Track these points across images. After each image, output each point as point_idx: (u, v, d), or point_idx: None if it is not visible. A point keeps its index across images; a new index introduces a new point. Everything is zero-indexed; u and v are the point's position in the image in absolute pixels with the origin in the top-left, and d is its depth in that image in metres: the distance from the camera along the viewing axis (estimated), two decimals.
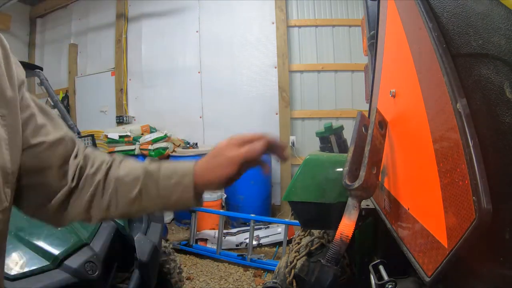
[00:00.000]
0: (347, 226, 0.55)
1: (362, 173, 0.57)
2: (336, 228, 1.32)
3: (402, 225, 0.69)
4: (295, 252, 1.41)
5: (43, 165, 0.53)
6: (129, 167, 0.58)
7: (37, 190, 0.53)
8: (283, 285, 1.36)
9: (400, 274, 0.83)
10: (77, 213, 0.56)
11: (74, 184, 0.55)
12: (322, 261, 0.55)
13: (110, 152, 3.79)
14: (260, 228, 3.23)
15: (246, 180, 3.65)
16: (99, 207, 0.56)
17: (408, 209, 0.64)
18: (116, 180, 0.56)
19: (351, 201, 0.56)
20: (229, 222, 3.63)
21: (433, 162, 0.53)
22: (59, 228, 1.20)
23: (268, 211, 3.87)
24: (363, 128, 0.61)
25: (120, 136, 3.82)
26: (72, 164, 0.56)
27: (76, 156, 0.57)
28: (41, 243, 1.12)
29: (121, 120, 4.37)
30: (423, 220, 0.57)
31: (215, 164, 0.60)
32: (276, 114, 4.09)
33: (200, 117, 4.22)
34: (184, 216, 3.60)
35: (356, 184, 0.58)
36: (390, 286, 0.78)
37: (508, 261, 0.43)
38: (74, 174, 0.55)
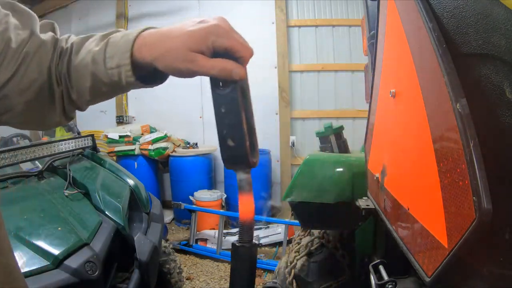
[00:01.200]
0: (246, 203, 0.54)
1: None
2: (335, 228, 1.32)
3: (402, 225, 0.69)
4: (295, 252, 1.41)
5: None
6: (81, 56, 0.51)
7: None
8: (283, 285, 1.36)
9: (400, 274, 0.83)
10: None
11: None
12: (236, 244, 0.54)
13: (110, 152, 3.79)
14: (260, 228, 3.23)
15: None
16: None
17: (408, 209, 0.64)
18: (74, 70, 0.52)
19: (240, 176, 0.53)
20: (229, 222, 3.63)
21: (433, 162, 0.53)
22: (59, 228, 1.20)
23: (268, 211, 3.87)
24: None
25: (120, 136, 3.82)
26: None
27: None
28: (41, 243, 1.12)
29: (121, 120, 4.37)
30: (423, 220, 0.57)
31: (167, 35, 0.47)
32: (276, 114, 4.09)
33: (200, 117, 4.22)
34: (184, 216, 3.60)
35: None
36: (390, 286, 0.78)
37: (508, 261, 0.43)
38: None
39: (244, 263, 0.55)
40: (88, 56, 0.50)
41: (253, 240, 0.55)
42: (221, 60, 0.48)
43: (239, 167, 0.53)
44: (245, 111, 0.51)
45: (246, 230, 0.55)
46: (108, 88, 0.52)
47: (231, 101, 0.50)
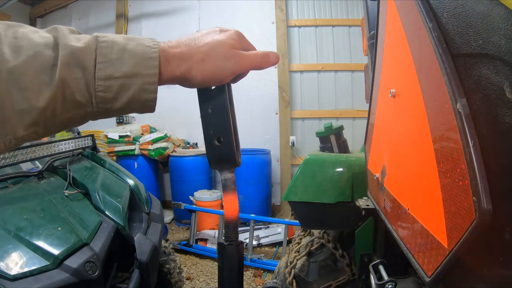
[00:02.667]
0: (231, 202, 0.55)
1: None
2: (335, 228, 1.32)
3: (402, 225, 0.69)
4: (295, 252, 1.41)
5: None
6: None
7: None
8: (283, 285, 1.36)
9: (400, 274, 0.83)
10: None
11: None
12: (224, 243, 0.54)
13: (110, 152, 3.79)
14: (260, 228, 3.23)
15: (246, 180, 3.65)
16: None
17: (408, 209, 0.64)
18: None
19: (226, 175, 0.54)
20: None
21: (433, 162, 0.53)
22: (59, 229, 1.20)
23: (268, 211, 3.87)
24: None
25: (120, 136, 3.82)
26: None
27: None
28: (41, 243, 1.12)
29: (121, 120, 4.37)
30: (423, 220, 0.57)
31: (211, 65, 0.45)
32: (276, 114, 4.10)
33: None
34: (184, 216, 3.60)
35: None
36: (390, 286, 0.78)
37: (508, 261, 0.43)
38: None
39: (232, 261, 0.55)
40: (44, 53, 0.38)
41: (239, 239, 0.56)
42: (254, 51, 0.50)
43: (224, 166, 0.53)
44: (231, 112, 0.51)
45: (232, 229, 0.55)
46: (70, 111, 0.40)
47: (219, 101, 0.50)
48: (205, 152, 0.54)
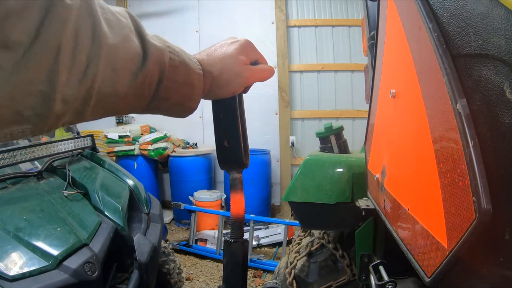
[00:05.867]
0: (238, 201, 0.57)
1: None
2: (335, 228, 1.32)
3: (402, 226, 0.69)
4: (295, 252, 1.41)
5: None
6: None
7: None
8: (283, 286, 1.36)
9: (400, 274, 0.83)
10: None
11: None
12: (229, 240, 0.57)
13: (110, 153, 3.79)
14: (260, 229, 3.23)
15: (246, 180, 3.65)
16: None
17: (408, 209, 0.64)
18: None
19: (234, 175, 0.58)
20: (229, 222, 3.63)
21: (433, 163, 0.53)
22: (58, 229, 1.20)
23: (268, 211, 3.87)
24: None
25: (120, 136, 3.82)
26: None
27: None
28: (40, 244, 1.11)
29: (120, 120, 4.37)
30: (423, 221, 0.57)
31: (225, 79, 0.50)
32: (276, 114, 4.10)
33: (200, 117, 4.22)
34: (183, 216, 3.60)
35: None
36: (390, 286, 0.78)
37: (508, 261, 0.43)
38: None
39: (237, 258, 0.57)
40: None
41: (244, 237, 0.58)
42: (260, 65, 0.55)
43: (233, 167, 0.58)
44: (240, 117, 0.56)
45: (238, 227, 0.58)
46: (134, 102, 0.41)
47: (230, 107, 0.55)
48: (204, 152, 0.56)
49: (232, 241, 0.57)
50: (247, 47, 0.53)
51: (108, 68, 0.34)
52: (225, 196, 3.62)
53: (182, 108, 0.47)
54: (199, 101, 0.48)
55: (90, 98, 0.34)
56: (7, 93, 0.27)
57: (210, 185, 3.94)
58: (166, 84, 0.43)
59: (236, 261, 0.57)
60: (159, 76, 0.41)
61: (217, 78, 0.49)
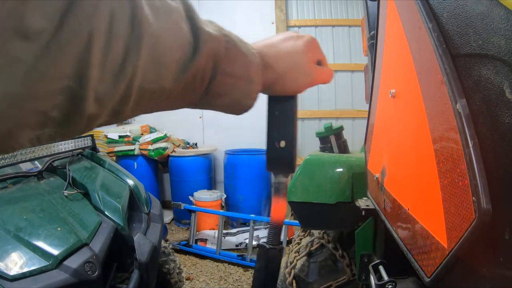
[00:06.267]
0: (280, 206, 0.54)
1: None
2: (335, 228, 1.32)
3: (402, 226, 0.69)
4: (295, 252, 1.41)
5: None
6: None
7: None
8: (283, 285, 1.36)
9: (400, 274, 0.83)
10: None
11: None
12: (266, 246, 0.54)
13: (110, 153, 3.79)
14: (260, 228, 3.23)
15: (246, 180, 3.65)
16: None
17: (408, 209, 0.64)
18: None
19: (280, 179, 0.54)
20: (229, 222, 3.63)
21: (433, 163, 0.53)
22: (58, 229, 1.20)
23: (268, 211, 3.87)
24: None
25: (120, 136, 3.82)
26: None
27: None
28: (41, 243, 1.12)
29: None
30: (423, 221, 0.57)
31: (292, 77, 0.46)
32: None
33: (200, 117, 4.22)
34: (184, 216, 3.60)
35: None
36: (390, 286, 0.78)
37: (508, 261, 0.43)
38: None
39: (273, 265, 0.55)
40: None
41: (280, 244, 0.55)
42: (324, 67, 0.51)
43: (282, 170, 0.53)
44: (296, 118, 0.52)
45: (277, 233, 0.54)
46: (185, 97, 0.37)
47: (289, 107, 0.50)
48: (205, 152, 0.54)
49: (270, 247, 0.53)
50: (315, 44, 0.48)
51: (151, 61, 0.29)
52: (225, 196, 3.62)
53: (238, 106, 0.42)
54: (256, 98, 0.43)
55: (129, 96, 0.29)
56: (29, 90, 0.22)
57: (210, 185, 3.94)
58: (221, 78, 0.37)
59: (272, 268, 0.54)
60: (212, 68, 0.36)
61: (284, 75, 0.45)
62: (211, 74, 0.36)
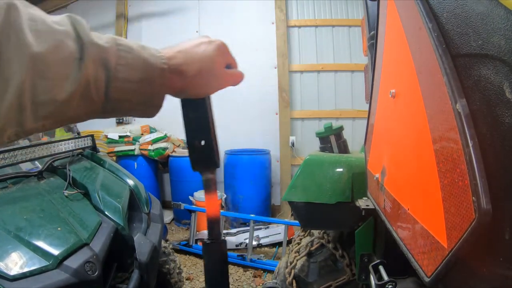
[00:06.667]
0: (213, 202, 0.58)
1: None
2: (335, 228, 1.32)
3: (402, 226, 0.69)
4: (295, 252, 1.41)
5: None
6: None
7: None
8: (283, 286, 1.36)
9: (400, 274, 0.83)
10: None
11: None
12: (207, 241, 0.57)
13: (110, 153, 3.79)
14: (260, 228, 3.23)
15: (246, 180, 3.65)
16: None
17: (408, 209, 0.64)
18: None
19: (207, 176, 0.57)
20: (229, 222, 3.63)
21: (433, 163, 0.53)
22: (59, 229, 1.20)
23: (268, 211, 3.87)
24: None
25: (120, 136, 3.82)
26: None
27: None
28: (41, 243, 1.12)
29: (121, 120, 4.37)
30: (423, 221, 0.57)
31: (202, 80, 0.49)
32: (276, 114, 4.09)
33: None
34: (184, 216, 3.60)
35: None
36: (390, 286, 0.78)
37: (508, 261, 0.43)
38: None
39: (216, 259, 0.57)
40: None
41: (222, 237, 0.58)
42: (234, 70, 0.55)
43: (206, 167, 0.57)
44: (211, 117, 0.55)
45: (215, 227, 0.58)
46: (81, 107, 0.40)
47: (202, 106, 0.54)
48: None
49: (210, 242, 0.57)
50: (224, 49, 0.52)
51: (38, 77, 0.33)
52: (225, 196, 3.62)
53: (145, 108, 0.44)
54: (164, 98, 0.45)
55: (24, 107, 0.33)
56: None
57: None
58: (117, 84, 0.40)
59: (216, 262, 0.57)
60: (105, 76, 0.39)
61: (194, 78, 0.47)
62: (105, 81, 0.39)
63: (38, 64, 0.33)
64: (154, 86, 0.43)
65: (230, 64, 0.54)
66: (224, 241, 0.58)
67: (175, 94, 0.49)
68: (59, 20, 0.37)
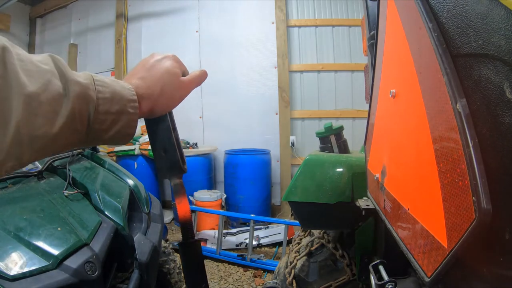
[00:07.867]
0: (184, 205, 0.62)
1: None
2: (335, 228, 1.32)
3: (402, 225, 0.69)
4: (295, 252, 1.41)
5: None
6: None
7: None
8: (283, 285, 1.36)
9: (400, 274, 0.83)
10: None
11: None
12: (182, 242, 0.61)
13: (110, 152, 3.79)
14: (260, 228, 3.23)
15: (246, 180, 3.65)
16: None
17: (408, 209, 0.64)
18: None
19: (175, 181, 0.61)
20: (229, 222, 3.63)
21: (433, 162, 0.53)
22: (59, 229, 1.20)
23: (268, 211, 3.87)
24: None
25: None
26: None
27: None
28: (41, 243, 1.11)
29: None
30: (423, 220, 0.57)
31: (167, 96, 0.53)
32: (276, 114, 4.10)
33: (200, 117, 4.22)
34: None
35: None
36: (390, 286, 0.78)
37: (508, 261, 0.43)
38: None
39: (192, 258, 0.61)
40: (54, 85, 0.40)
41: (196, 237, 0.63)
42: (191, 74, 0.58)
43: (173, 173, 0.61)
44: (173, 129, 0.59)
45: (188, 228, 0.61)
46: (69, 139, 0.43)
47: (164, 121, 0.58)
48: (205, 152, 0.58)
49: (184, 242, 0.60)
50: (177, 60, 0.56)
51: (32, 114, 0.36)
52: (225, 196, 3.62)
53: (123, 136, 0.49)
54: (136, 126, 0.49)
55: (22, 142, 0.36)
56: None
57: (210, 185, 3.94)
58: (99, 116, 0.44)
59: (191, 260, 0.61)
60: (88, 110, 0.43)
61: (159, 97, 0.52)
62: (88, 115, 0.43)
63: (32, 102, 0.36)
64: (129, 115, 0.47)
65: (184, 72, 0.58)
66: (198, 241, 0.62)
67: (146, 116, 0.53)
68: (42, 59, 0.40)
